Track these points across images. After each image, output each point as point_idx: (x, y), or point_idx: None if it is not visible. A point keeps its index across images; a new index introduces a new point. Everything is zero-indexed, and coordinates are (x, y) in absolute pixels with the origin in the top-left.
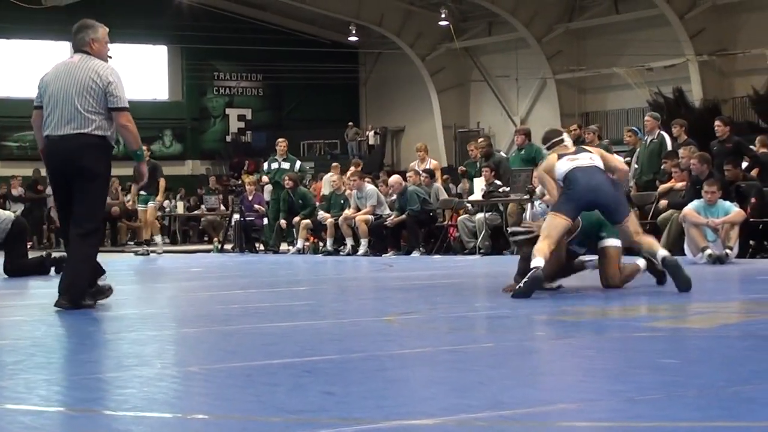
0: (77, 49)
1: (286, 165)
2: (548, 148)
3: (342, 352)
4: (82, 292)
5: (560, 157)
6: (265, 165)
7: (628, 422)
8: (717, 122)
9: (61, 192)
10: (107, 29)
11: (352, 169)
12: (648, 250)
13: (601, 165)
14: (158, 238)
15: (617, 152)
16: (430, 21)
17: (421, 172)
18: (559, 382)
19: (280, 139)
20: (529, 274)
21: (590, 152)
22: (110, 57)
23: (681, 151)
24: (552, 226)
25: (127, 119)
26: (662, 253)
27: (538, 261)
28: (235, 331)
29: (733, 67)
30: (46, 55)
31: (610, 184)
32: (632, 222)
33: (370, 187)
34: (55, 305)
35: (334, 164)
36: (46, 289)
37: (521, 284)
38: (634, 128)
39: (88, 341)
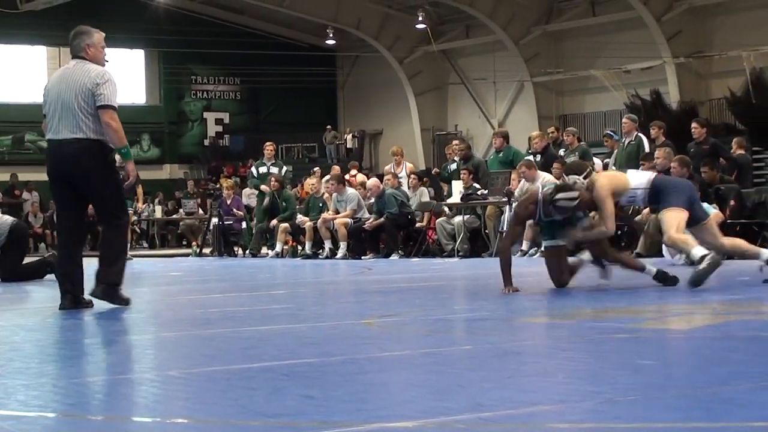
0: (74, 55)
1: (274, 169)
2: (585, 177)
3: (321, 355)
4: (115, 286)
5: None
6: (253, 169)
7: (608, 423)
8: (693, 124)
9: (62, 194)
10: (103, 34)
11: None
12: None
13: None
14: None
15: (596, 155)
16: (407, 24)
17: (399, 175)
18: (538, 384)
19: (268, 143)
20: (707, 260)
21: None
22: (107, 61)
23: (657, 152)
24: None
25: (110, 117)
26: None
27: (699, 250)
28: (215, 335)
29: (710, 69)
30: (22, 60)
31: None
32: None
33: (350, 190)
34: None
35: (316, 169)
36: (24, 293)
37: (699, 269)
38: (609, 132)
39: (66, 346)
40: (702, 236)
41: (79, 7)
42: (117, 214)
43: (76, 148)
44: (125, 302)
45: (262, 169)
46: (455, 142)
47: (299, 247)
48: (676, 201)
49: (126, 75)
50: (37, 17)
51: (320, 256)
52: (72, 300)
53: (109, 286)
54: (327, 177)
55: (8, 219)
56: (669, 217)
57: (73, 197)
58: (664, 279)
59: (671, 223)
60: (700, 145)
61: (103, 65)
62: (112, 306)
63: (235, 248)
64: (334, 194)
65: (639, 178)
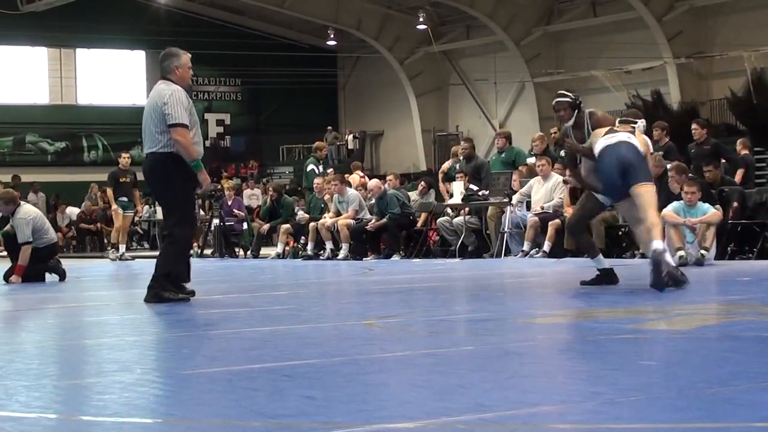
0: (162, 76)
1: (321, 168)
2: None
3: (322, 356)
4: (160, 286)
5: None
6: (312, 167)
7: (609, 424)
8: (694, 125)
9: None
10: (189, 55)
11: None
12: (646, 234)
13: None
14: (122, 247)
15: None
16: (408, 25)
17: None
18: (539, 385)
19: (322, 143)
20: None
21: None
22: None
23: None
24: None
25: (179, 134)
26: (657, 244)
27: (658, 243)
28: (216, 336)
29: (711, 69)
30: (23, 61)
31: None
32: (651, 194)
33: (352, 191)
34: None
35: (330, 170)
36: (26, 295)
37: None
38: None
39: (67, 347)
40: (633, 210)
41: (80, 9)
42: (171, 229)
43: (152, 160)
44: (180, 299)
45: (321, 168)
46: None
47: (300, 248)
48: (647, 175)
49: (127, 76)
50: (38, 18)
51: (321, 257)
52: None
53: (155, 291)
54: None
55: (37, 211)
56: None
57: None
58: (607, 277)
59: (652, 202)
60: (701, 146)
61: (190, 84)
62: (114, 307)
63: (236, 249)
64: (335, 195)
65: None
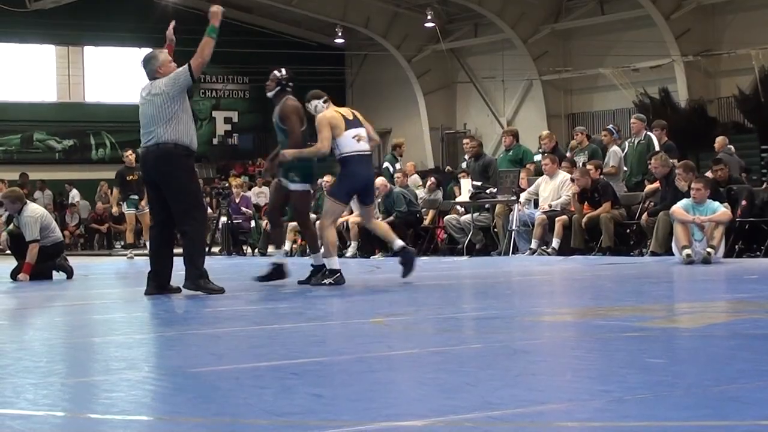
0: (150, 78)
1: (398, 165)
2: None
3: (329, 354)
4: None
5: (347, 124)
6: (386, 165)
7: (616, 422)
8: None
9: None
10: (165, 50)
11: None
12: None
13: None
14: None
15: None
16: (416, 23)
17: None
18: (547, 383)
19: (400, 140)
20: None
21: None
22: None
23: (652, 161)
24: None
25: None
26: (399, 243)
27: (332, 262)
28: (223, 333)
29: (719, 67)
30: (31, 59)
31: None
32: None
33: None
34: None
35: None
36: (33, 293)
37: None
38: (610, 127)
39: (75, 345)
40: (366, 217)
41: (87, 6)
42: (182, 227)
43: (154, 153)
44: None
45: (398, 165)
46: (465, 140)
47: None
48: (339, 192)
49: (134, 73)
50: (45, 16)
51: None
52: (156, 286)
53: (193, 281)
54: None
55: (44, 211)
56: (328, 206)
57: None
58: (277, 272)
59: (326, 213)
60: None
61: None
62: (121, 304)
63: (244, 247)
64: None
65: (349, 142)
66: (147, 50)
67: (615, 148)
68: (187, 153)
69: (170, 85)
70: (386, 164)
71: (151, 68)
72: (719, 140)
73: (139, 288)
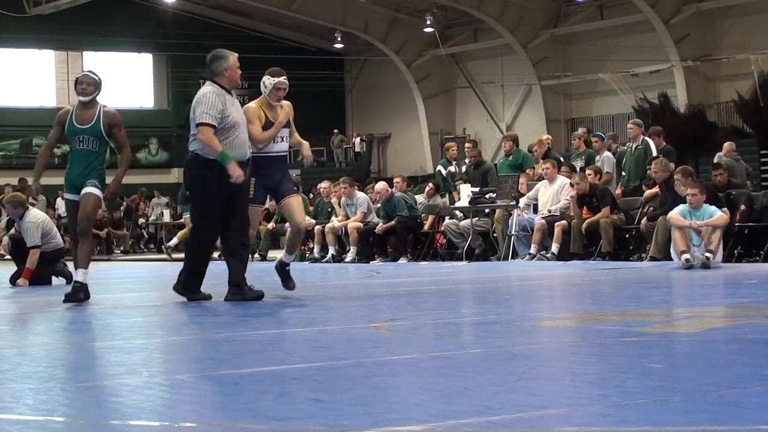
0: (209, 78)
1: (454, 169)
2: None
3: (329, 359)
4: (182, 283)
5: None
6: (439, 168)
7: (616, 427)
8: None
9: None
10: (236, 55)
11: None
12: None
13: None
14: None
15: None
16: (415, 28)
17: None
18: (547, 387)
19: (450, 143)
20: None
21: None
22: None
23: (653, 165)
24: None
25: (200, 132)
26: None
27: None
28: (223, 339)
29: (718, 72)
30: (30, 64)
31: None
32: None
33: (360, 194)
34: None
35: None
36: (33, 297)
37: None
38: (599, 133)
39: (74, 350)
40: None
41: (87, 12)
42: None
43: (185, 160)
44: (256, 296)
45: (451, 168)
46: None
47: (307, 251)
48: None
49: (134, 79)
50: (45, 21)
51: (323, 260)
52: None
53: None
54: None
55: (45, 216)
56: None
57: None
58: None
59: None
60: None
61: (239, 85)
62: (121, 309)
63: None
64: (344, 198)
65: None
66: (146, 55)
67: (607, 153)
68: (207, 165)
69: (198, 106)
70: (439, 167)
71: (217, 68)
72: (726, 146)
73: (138, 293)
